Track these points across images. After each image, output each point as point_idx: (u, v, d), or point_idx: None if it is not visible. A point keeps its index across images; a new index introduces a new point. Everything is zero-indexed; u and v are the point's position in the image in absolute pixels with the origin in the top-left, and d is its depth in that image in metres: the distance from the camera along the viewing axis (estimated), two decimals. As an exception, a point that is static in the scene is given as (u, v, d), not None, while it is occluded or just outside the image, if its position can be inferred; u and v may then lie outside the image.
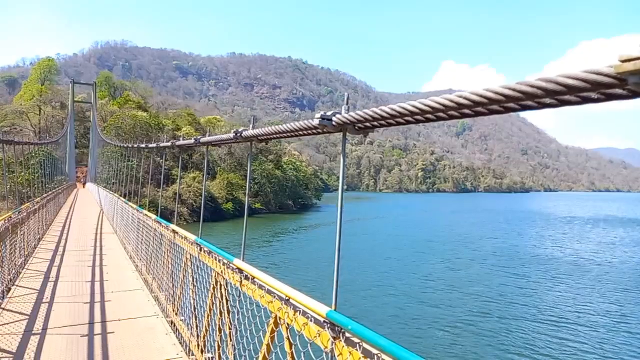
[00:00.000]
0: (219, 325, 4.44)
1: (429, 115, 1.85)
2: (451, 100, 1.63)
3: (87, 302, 7.00)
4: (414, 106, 1.85)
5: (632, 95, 1.18)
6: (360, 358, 2.15)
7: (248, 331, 3.68)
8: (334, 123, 2.38)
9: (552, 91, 1.27)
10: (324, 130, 2.57)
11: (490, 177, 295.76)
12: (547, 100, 1.37)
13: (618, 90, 1.18)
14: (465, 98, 1.56)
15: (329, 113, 2.44)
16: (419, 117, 1.90)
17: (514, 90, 1.38)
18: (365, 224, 58.90)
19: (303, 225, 55.60)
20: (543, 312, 19.73)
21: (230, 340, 4.06)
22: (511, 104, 1.46)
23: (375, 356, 2.05)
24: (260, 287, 3.41)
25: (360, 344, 2.18)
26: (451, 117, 1.81)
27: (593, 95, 1.25)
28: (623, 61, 1.02)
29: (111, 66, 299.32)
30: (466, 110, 1.65)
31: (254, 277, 3.55)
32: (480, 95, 1.50)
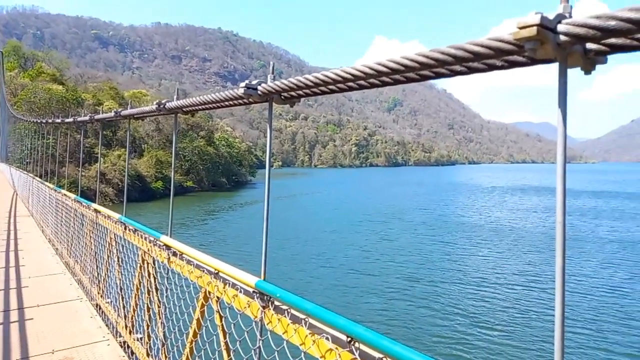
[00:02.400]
0: (147, 304, 4.31)
1: (351, 84, 1.87)
2: (370, 68, 1.65)
3: (0, 290, 6.48)
4: (337, 74, 1.85)
5: (530, 62, 1.25)
6: (288, 324, 2.19)
7: (177, 308, 3.62)
8: (259, 92, 2.34)
9: (461, 58, 1.31)
10: (250, 100, 2.52)
11: (419, 151, 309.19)
12: (458, 68, 1.42)
13: (518, 58, 1.26)
14: (384, 66, 1.58)
15: (254, 82, 2.39)
16: (341, 85, 1.92)
17: (427, 57, 1.41)
18: (300, 200, 59.41)
19: (237, 202, 54.94)
20: (467, 274, 21.27)
21: (160, 318, 3.97)
22: (426, 72, 1.51)
23: (303, 321, 2.10)
24: (189, 262, 3.34)
25: (289, 310, 2.22)
26: (372, 85, 1.85)
27: (498, 62, 1.32)
28: (521, 28, 1.08)
29: (20, 35, 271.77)
30: (385, 78, 1.68)
31: (182, 253, 3.48)
32: (397, 63, 1.53)
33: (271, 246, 2.50)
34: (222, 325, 2.90)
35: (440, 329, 14.52)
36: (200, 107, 3.19)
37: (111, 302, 5.75)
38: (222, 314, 2.91)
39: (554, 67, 1.16)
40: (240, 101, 2.66)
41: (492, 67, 1.35)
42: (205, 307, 3.17)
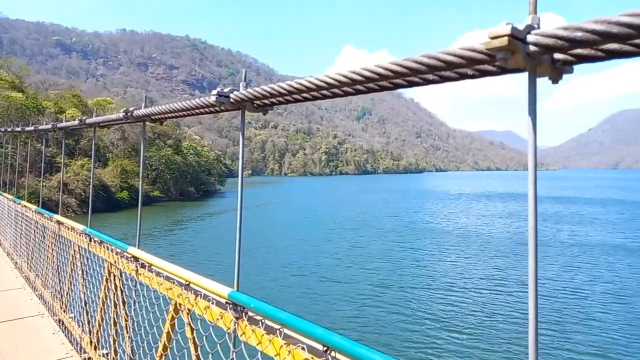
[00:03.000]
0: (113, 318, 4.16)
1: (325, 92, 1.87)
2: (344, 76, 1.65)
3: (-47, 308, 6.11)
4: (310, 82, 1.85)
5: (501, 71, 1.29)
6: (263, 335, 2.15)
7: (146, 321, 3.50)
8: (231, 100, 2.31)
9: (434, 67, 1.33)
10: (222, 107, 2.48)
11: (388, 159, 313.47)
12: (430, 77, 1.45)
13: (489, 67, 1.29)
14: (357, 74, 1.59)
15: (226, 90, 2.36)
16: (315, 93, 1.92)
17: (401, 66, 1.42)
18: (271, 208, 58.99)
19: (207, 212, 54.03)
20: (436, 280, 21.59)
21: (127, 332, 3.83)
22: (399, 80, 1.52)
23: (278, 331, 2.06)
24: (158, 274, 3.25)
25: (263, 321, 2.18)
26: (346, 94, 1.86)
27: (469, 71, 1.35)
28: (492, 38, 1.10)
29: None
30: (359, 86, 1.69)
31: (151, 265, 3.37)
32: (371, 71, 1.53)
33: (243, 256, 2.45)
34: (194, 337, 2.82)
35: (414, 334, 14.65)
36: (169, 115, 3.12)
37: (75, 317, 5.52)
38: (193, 327, 2.83)
39: (519, 76, 1.20)
40: (211, 109, 2.62)
41: (463, 76, 1.38)
42: (176, 319, 3.07)
